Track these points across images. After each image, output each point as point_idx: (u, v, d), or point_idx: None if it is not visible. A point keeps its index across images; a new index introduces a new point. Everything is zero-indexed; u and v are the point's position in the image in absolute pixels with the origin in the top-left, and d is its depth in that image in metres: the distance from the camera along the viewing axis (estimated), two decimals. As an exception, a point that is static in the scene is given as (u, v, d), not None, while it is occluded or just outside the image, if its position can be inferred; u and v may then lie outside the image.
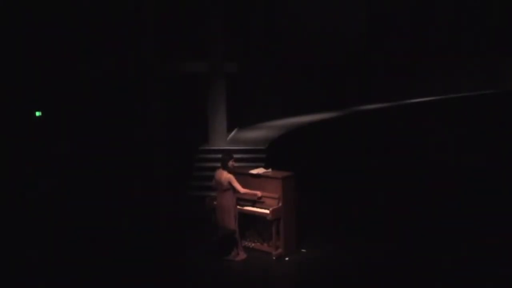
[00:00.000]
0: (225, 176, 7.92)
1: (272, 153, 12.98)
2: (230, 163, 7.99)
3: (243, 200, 8.21)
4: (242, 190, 7.94)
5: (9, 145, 10.42)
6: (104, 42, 11.62)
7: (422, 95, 25.74)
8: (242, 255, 8.08)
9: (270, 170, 8.55)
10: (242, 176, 8.32)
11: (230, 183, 7.88)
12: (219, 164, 8.10)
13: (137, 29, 12.35)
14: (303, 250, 8.32)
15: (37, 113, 10.73)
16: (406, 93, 24.87)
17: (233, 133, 15.35)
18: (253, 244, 8.44)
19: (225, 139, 13.63)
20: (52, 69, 10.79)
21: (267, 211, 7.91)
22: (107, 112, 11.87)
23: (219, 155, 8.35)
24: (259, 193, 8.10)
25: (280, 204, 8.00)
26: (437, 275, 7.30)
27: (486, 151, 16.80)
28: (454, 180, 13.10)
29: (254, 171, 8.44)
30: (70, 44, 11.08)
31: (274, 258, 8.01)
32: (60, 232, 9.42)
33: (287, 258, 8.03)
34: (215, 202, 8.14)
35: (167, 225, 10.09)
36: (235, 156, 8.37)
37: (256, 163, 11.31)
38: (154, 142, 12.50)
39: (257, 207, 8.14)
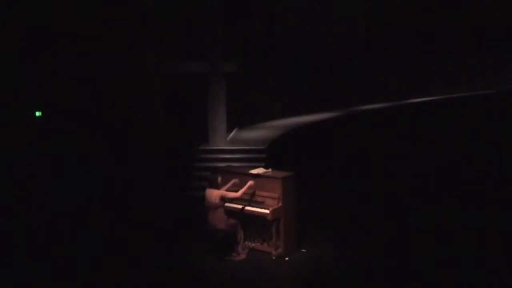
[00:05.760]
0: (216, 193, 7.96)
1: (272, 153, 12.97)
2: (219, 179, 8.09)
3: (243, 200, 8.21)
4: (239, 193, 8.00)
5: (9, 145, 10.41)
6: (104, 41, 11.62)
7: (422, 95, 25.73)
8: (242, 255, 8.08)
9: (270, 170, 8.55)
10: (242, 176, 8.32)
11: (223, 198, 7.94)
12: (219, 164, 8.11)
13: (137, 28, 12.34)
14: (303, 250, 8.32)
15: (37, 113, 10.71)
16: (406, 93, 24.85)
17: (233, 133, 15.33)
18: (253, 244, 8.43)
19: (225, 139, 13.62)
20: (51, 69, 10.79)
21: (267, 211, 7.91)
22: (106, 112, 11.86)
23: (219, 155, 8.37)
24: (251, 183, 8.11)
25: (280, 204, 8.00)
26: (437, 275, 7.30)
27: (486, 151, 16.79)
28: (453, 180, 13.10)
29: (254, 171, 8.44)
30: (70, 44, 11.07)
31: (274, 258, 8.01)
32: (58, 233, 9.42)
33: (287, 258, 8.03)
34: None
35: (167, 225, 10.08)
36: (235, 156, 8.39)
37: (256, 163, 11.28)
38: (154, 142, 12.49)
39: (257, 207, 8.14)
